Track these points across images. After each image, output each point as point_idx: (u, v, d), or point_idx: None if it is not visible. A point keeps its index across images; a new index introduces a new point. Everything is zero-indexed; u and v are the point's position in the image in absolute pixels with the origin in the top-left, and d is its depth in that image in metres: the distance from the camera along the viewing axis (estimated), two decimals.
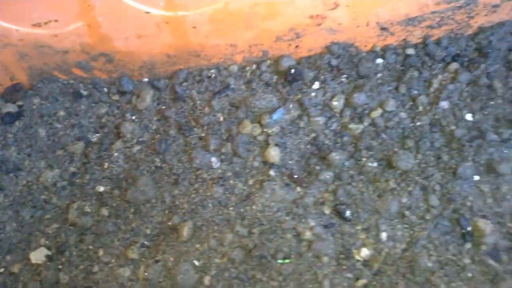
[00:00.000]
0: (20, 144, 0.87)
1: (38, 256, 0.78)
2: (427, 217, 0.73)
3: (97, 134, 0.89)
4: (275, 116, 0.83)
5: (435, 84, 0.85)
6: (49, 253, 0.78)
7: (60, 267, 0.77)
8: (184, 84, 0.90)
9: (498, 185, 0.74)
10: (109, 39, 0.84)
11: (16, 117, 0.90)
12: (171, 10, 0.78)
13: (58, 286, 0.76)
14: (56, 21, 0.79)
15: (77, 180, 0.84)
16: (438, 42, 0.89)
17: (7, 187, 0.83)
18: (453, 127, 0.79)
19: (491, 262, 0.70)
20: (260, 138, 0.83)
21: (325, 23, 0.83)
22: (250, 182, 0.80)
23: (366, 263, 0.72)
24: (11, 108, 0.91)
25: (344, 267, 0.72)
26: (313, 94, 0.86)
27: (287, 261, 0.71)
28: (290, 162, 0.81)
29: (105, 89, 0.93)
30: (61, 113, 0.90)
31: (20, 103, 0.92)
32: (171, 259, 0.74)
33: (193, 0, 0.76)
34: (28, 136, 0.88)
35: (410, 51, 0.88)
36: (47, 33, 0.82)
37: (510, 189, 0.74)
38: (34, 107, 0.90)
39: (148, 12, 0.78)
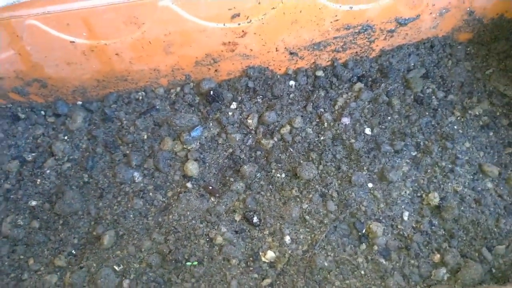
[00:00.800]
0: None
1: None
2: (326, 221, 0.81)
3: (33, 154, 0.94)
4: (194, 133, 0.90)
5: (340, 102, 0.94)
6: None
7: None
8: (113, 106, 0.97)
9: (389, 191, 0.82)
10: (40, 66, 0.91)
11: None
12: (94, 39, 0.86)
13: None
14: None
15: (12, 196, 0.89)
16: (345, 64, 0.98)
17: None
18: (352, 141, 0.88)
19: (382, 260, 0.77)
20: (181, 154, 0.90)
21: (238, 49, 0.92)
22: (169, 194, 0.86)
23: (271, 264, 0.79)
24: None
25: (251, 268, 0.78)
26: (230, 113, 0.94)
27: (195, 263, 0.77)
28: (208, 175, 0.89)
29: (42, 112, 0.99)
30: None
31: None
32: (94, 265, 0.79)
33: (113, 30, 0.84)
34: None
35: (320, 73, 0.98)
36: None
37: (399, 194, 0.82)
38: None
39: (73, 42, 0.86)
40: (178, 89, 0.98)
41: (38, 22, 0.82)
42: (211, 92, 0.94)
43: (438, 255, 0.76)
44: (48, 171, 0.91)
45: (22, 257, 0.84)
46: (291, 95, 0.96)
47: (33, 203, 0.88)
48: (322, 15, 0.87)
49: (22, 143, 0.96)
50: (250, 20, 0.86)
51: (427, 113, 0.90)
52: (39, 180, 0.90)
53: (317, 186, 0.84)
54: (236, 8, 0.83)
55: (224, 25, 0.86)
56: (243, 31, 0.88)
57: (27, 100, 0.99)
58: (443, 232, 0.78)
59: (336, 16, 0.88)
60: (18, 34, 0.84)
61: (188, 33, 0.87)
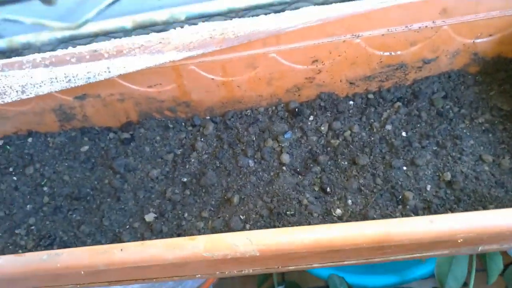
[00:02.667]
0: (135, 155, 1.46)
1: (149, 217, 1.34)
2: (375, 191, 1.24)
3: (180, 149, 1.47)
4: (286, 135, 1.38)
5: (385, 115, 1.38)
6: (156, 215, 1.34)
7: (162, 223, 1.32)
8: (231, 119, 1.48)
9: (417, 171, 1.24)
10: (189, 93, 1.44)
11: (130, 140, 1.50)
12: (225, 77, 1.38)
13: (162, 233, 1.30)
14: (160, 84, 1.41)
15: (170, 175, 1.41)
16: (388, 90, 1.43)
17: (129, 179, 1.42)
18: (393, 140, 1.32)
19: (412, 215, 1.19)
20: (277, 149, 1.38)
21: (315, 81, 1.40)
22: (272, 174, 1.34)
23: (339, 217, 1.23)
24: (126, 135, 1.52)
25: (326, 219, 1.23)
26: (309, 123, 1.41)
27: (289, 212, 1.24)
28: (295, 163, 1.35)
29: (183, 123, 1.53)
30: (158, 138, 1.50)
31: (131, 132, 1.53)
32: (227, 215, 1.28)
33: (238, 71, 1.36)
34: (139, 151, 1.47)
35: (370, 96, 1.43)
36: (155, 91, 1.43)
37: (424, 174, 1.23)
38: (141, 134, 1.51)
39: (213, 78, 1.38)
40: (274, 108, 1.48)
41: (195, 67, 1.35)
42: (296, 109, 1.43)
43: (450, 212, 1.17)
44: (192, 160, 1.42)
45: (180, 212, 1.34)
46: (350, 111, 1.42)
47: (185, 179, 1.39)
48: (371, 59, 1.33)
49: (173, 143, 1.48)
50: (324, 63, 1.34)
51: (445, 122, 1.32)
52: (187, 165, 1.42)
53: (369, 169, 1.28)
54: (315, 56, 1.32)
55: (307, 67, 1.35)
56: (319, 70, 1.36)
57: (174, 115, 1.52)
58: (453, 198, 1.19)
59: (381, 59, 1.34)
60: (181, 74, 1.37)
61: (284, 72, 1.36)
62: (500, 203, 1.15)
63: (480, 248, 1.27)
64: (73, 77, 1.30)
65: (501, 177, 1.20)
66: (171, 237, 1.29)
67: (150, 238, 1.30)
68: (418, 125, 1.34)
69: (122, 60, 1.30)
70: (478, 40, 1.30)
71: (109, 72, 1.32)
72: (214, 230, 1.27)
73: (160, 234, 1.31)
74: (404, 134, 1.33)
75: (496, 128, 1.29)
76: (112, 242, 1.32)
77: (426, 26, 1.26)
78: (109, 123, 1.54)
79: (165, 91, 1.42)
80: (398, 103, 1.39)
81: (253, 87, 1.40)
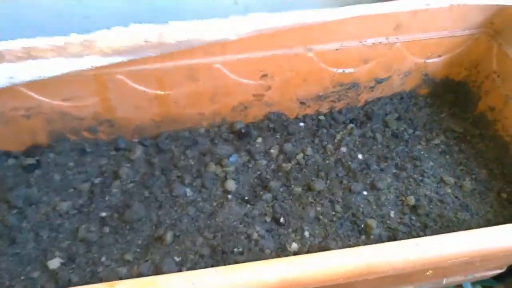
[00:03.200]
0: (40, 185, 1.15)
1: (54, 263, 1.03)
2: (334, 219, 1.08)
3: (99, 178, 1.19)
4: (232, 159, 1.19)
5: (338, 137, 1.26)
6: (63, 261, 1.04)
7: (71, 270, 1.02)
8: (166, 141, 1.26)
9: (378, 196, 1.11)
10: (115, 109, 1.20)
11: (35, 167, 1.20)
12: (161, 90, 1.17)
13: (70, 284, 1.00)
14: (79, 96, 1.15)
15: (85, 209, 1.13)
16: (340, 111, 1.33)
17: (30, 215, 1.10)
18: (349, 163, 1.19)
19: None
20: (221, 175, 1.18)
21: (263, 99, 1.25)
22: (214, 204, 1.12)
23: (295, 253, 1.03)
24: (30, 161, 1.22)
25: (281, 256, 1.03)
26: (257, 145, 1.24)
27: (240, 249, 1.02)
28: (242, 190, 1.16)
29: (104, 147, 1.27)
30: (71, 163, 1.21)
31: (37, 158, 1.23)
32: (158, 257, 1.02)
33: (176, 83, 1.16)
34: (46, 180, 1.17)
35: (322, 117, 1.31)
36: (71, 105, 1.17)
37: (386, 198, 1.11)
38: (49, 160, 1.21)
39: (144, 91, 1.17)
40: (216, 128, 1.29)
41: (124, 77, 1.12)
42: (242, 130, 1.25)
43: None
44: (114, 190, 1.16)
45: (96, 255, 1.05)
46: (301, 133, 1.27)
47: (103, 214, 1.11)
48: (323, 76, 1.22)
49: (90, 170, 1.21)
50: (274, 79, 1.20)
51: (401, 144, 1.23)
52: (107, 197, 1.15)
53: (326, 194, 1.12)
54: (265, 70, 1.17)
55: (255, 81, 1.20)
56: (268, 86, 1.21)
57: (94, 137, 1.26)
58: (419, 224, 1.07)
59: (333, 76, 1.23)
60: (106, 85, 1.14)
61: (230, 87, 1.19)
62: (468, 227, 1.05)
63: (444, 280, 1.15)
64: None
65: (465, 199, 1.11)
66: None
67: None
68: (374, 147, 1.23)
69: (30, 64, 1.04)
70: (429, 60, 1.27)
71: (12, 79, 1.04)
72: (140, 277, 1.00)
73: (68, 285, 1.00)
74: (360, 156, 1.21)
75: (452, 150, 1.22)
76: None
77: (380, 42, 1.19)
78: (8, 146, 1.23)
79: (84, 106, 1.17)
80: (351, 125, 1.29)
81: (193, 103, 1.21)
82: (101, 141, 1.26)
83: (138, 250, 1.06)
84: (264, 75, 1.18)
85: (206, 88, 1.18)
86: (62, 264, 1.04)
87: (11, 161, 1.22)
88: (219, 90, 1.20)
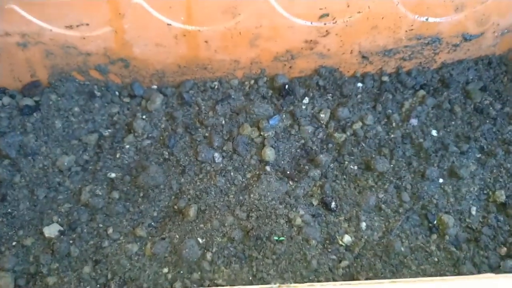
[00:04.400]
0: (38, 132, 0.94)
1: (51, 230, 0.83)
2: (400, 211, 0.86)
3: (109, 130, 0.98)
4: (272, 121, 0.95)
5: (406, 105, 1.01)
6: (62, 228, 0.84)
7: (71, 241, 0.83)
8: (190, 92, 1.02)
9: (458, 187, 0.88)
10: (130, 45, 0.95)
11: (34, 110, 0.98)
12: (190, 24, 0.91)
13: (69, 258, 0.81)
14: (87, 24, 0.91)
15: (90, 167, 0.92)
16: (408, 73, 1.06)
17: (24, 168, 0.90)
18: (421, 140, 0.94)
19: (454, 249, 0.82)
20: (257, 140, 0.95)
21: (317, 48, 0.98)
22: (248, 175, 0.90)
23: (348, 247, 0.82)
24: (28, 102, 1.00)
25: (329, 250, 0.82)
26: (303, 107, 0.99)
27: (282, 238, 0.81)
28: (282, 162, 0.93)
29: (117, 92, 1.03)
30: (76, 109, 0.99)
31: (36, 98, 1.01)
32: (177, 236, 0.82)
33: (209, 17, 0.90)
34: (45, 126, 0.95)
35: (385, 78, 1.05)
36: (76, 35, 0.92)
37: (468, 190, 0.88)
38: (51, 102, 0.99)
39: (169, 24, 0.91)
40: (252, 82, 1.04)
41: (144, 2, 0.87)
42: (286, 86, 1.00)
43: (505, 249, 0.82)
44: (127, 146, 0.94)
45: (101, 225, 0.85)
46: (359, 96, 1.02)
47: (112, 175, 0.91)
48: (400, 23, 0.95)
49: (98, 119, 0.99)
50: (336, 21, 0.93)
51: (487, 121, 0.97)
52: (118, 154, 0.93)
53: (391, 178, 0.89)
54: (326, 8, 0.91)
55: (311, 23, 0.93)
56: (326, 30, 0.95)
57: (105, 79, 1.02)
58: (509, 227, 0.84)
59: (412, 25, 0.96)
60: (121, 12, 0.89)
61: (277, 28, 0.93)
62: None
63: None
64: None
65: None
66: (82, 265, 0.80)
67: (48, 266, 0.81)
68: (453, 122, 0.98)
69: None
70: None
71: None
72: (154, 259, 0.80)
73: (66, 259, 0.81)
74: (434, 133, 0.96)
75: None
76: None
77: None
78: (4, 81, 1.00)
79: (93, 37, 0.93)
80: (422, 92, 1.03)
81: (228, 46, 0.96)
82: (114, 84, 1.03)
83: (153, 223, 0.86)
84: (324, 15, 0.91)
85: (247, 27, 0.92)
86: (61, 232, 0.85)
87: (6, 100, 0.99)
88: (263, 32, 0.94)
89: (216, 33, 0.93)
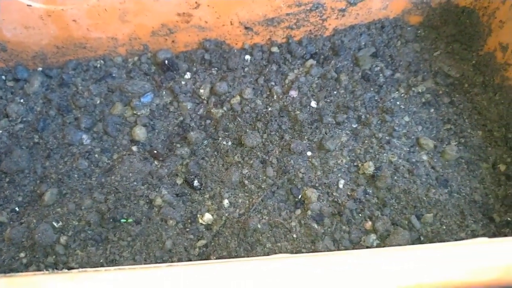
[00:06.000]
0: None
1: None
2: (263, 186, 0.82)
3: None
4: (144, 99, 0.92)
5: (290, 76, 0.96)
6: None
7: None
8: (72, 72, 0.99)
9: (326, 159, 0.84)
10: (0, 29, 0.93)
11: None
12: (50, 4, 0.88)
13: None
14: None
15: None
16: (299, 42, 1.01)
17: None
18: (298, 112, 0.90)
19: (314, 225, 0.79)
20: (130, 119, 0.92)
21: (193, 20, 0.94)
22: (115, 156, 0.88)
23: (208, 226, 0.80)
24: None
25: (188, 229, 0.80)
26: (183, 83, 0.96)
27: (130, 220, 0.79)
28: (156, 140, 0.90)
29: (3, 77, 1.02)
30: None
31: None
32: (34, 221, 0.81)
33: None
34: None
35: (275, 49, 1.00)
36: None
37: (336, 163, 0.84)
38: None
39: (29, 5, 0.88)
40: (136, 58, 1.01)
41: None
42: (166, 61, 0.97)
43: (370, 222, 0.78)
44: (0, 131, 0.93)
45: None
46: (246, 69, 0.98)
47: None
48: None
49: None
50: None
51: (372, 89, 0.92)
52: None
53: (258, 153, 0.86)
54: None
55: None
56: (196, 2, 0.91)
57: None
58: (376, 200, 0.80)
59: None
60: None
61: (143, 2, 0.89)
62: (441, 211, 0.78)
63: None
64: None
65: (445, 171, 0.82)
66: None
67: None
68: (335, 92, 0.93)
69: None
70: None
71: None
72: (11, 244, 0.80)
73: None
74: (313, 104, 0.92)
75: (440, 101, 0.91)
76: None
77: None
78: None
79: None
80: (311, 61, 0.98)
81: (99, 23, 0.93)
82: None
83: (16, 209, 0.85)
84: None
85: (111, 3, 0.89)
86: None
87: None
88: (129, 7, 0.90)
89: (81, 11, 0.90)
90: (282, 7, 0.94)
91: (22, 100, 0.97)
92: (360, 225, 0.79)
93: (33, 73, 1.01)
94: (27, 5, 0.88)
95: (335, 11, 0.96)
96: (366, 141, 0.85)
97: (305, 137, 0.86)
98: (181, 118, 0.93)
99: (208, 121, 0.92)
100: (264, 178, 0.83)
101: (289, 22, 0.97)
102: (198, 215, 0.81)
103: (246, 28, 0.97)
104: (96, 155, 0.88)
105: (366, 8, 0.96)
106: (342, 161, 0.84)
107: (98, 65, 1.00)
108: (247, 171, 0.84)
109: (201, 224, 0.81)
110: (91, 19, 0.92)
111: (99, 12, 0.90)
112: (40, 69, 1.02)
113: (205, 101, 0.95)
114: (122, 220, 0.79)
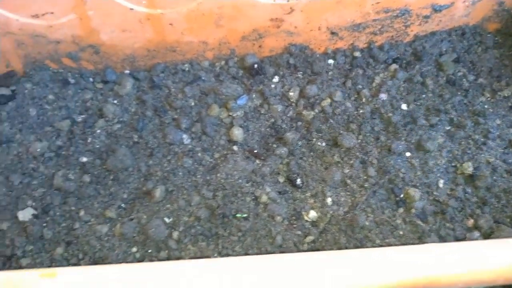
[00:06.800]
0: (13, 120, 0.96)
1: (25, 215, 0.86)
2: (366, 186, 0.86)
3: (82, 115, 0.99)
4: (240, 101, 0.95)
5: (377, 80, 1.00)
6: (35, 212, 0.87)
7: (44, 224, 0.85)
8: (161, 75, 1.02)
9: (425, 160, 0.87)
10: (97, 32, 0.96)
11: (9, 99, 1.00)
12: (152, 8, 0.92)
13: (42, 240, 0.84)
14: (52, 13, 0.91)
15: (63, 152, 0.94)
16: (381, 47, 1.05)
17: None
18: (390, 114, 0.93)
19: (419, 222, 0.82)
20: (226, 120, 0.95)
21: (283, 26, 0.98)
22: (216, 155, 0.91)
23: (313, 223, 0.83)
24: (4, 91, 1.02)
25: (295, 226, 0.82)
26: (273, 86, 0.99)
27: (244, 215, 0.82)
28: (251, 141, 0.93)
29: (91, 79, 1.04)
30: (50, 96, 1.01)
31: (13, 87, 1.03)
32: (144, 217, 0.83)
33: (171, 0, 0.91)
34: (20, 115, 0.97)
35: (357, 54, 1.04)
36: (43, 24, 0.93)
37: (435, 163, 0.87)
38: (26, 91, 1.01)
39: (132, 9, 0.91)
40: (223, 62, 1.04)
41: None
42: (255, 65, 1.00)
43: (472, 220, 0.81)
44: (98, 131, 0.95)
45: (73, 208, 0.87)
46: (330, 73, 1.01)
47: (84, 159, 0.92)
48: None
49: (72, 105, 1.00)
50: None
51: (459, 93, 0.96)
52: (89, 139, 0.95)
53: (357, 153, 0.89)
54: None
55: (274, 1, 0.92)
56: (291, 8, 0.94)
57: (78, 66, 1.03)
58: (476, 199, 0.83)
59: None
60: None
61: (240, 7, 0.93)
62: None
63: None
64: None
65: None
66: (55, 246, 0.83)
67: (23, 248, 0.83)
68: (423, 95, 0.97)
69: None
70: None
71: None
72: (123, 239, 0.82)
73: (39, 241, 0.84)
74: (404, 106, 0.95)
75: None
76: None
77: None
78: None
79: (59, 25, 0.94)
80: (395, 66, 1.01)
81: (194, 27, 0.96)
82: (87, 71, 1.04)
83: (122, 205, 0.87)
84: None
85: (209, 7, 0.92)
86: (34, 216, 0.87)
87: None
88: (226, 12, 0.93)
89: (179, 15, 0.93)
90: (371, 13, 0.97)
91: (115, 101, 1.00)
92: (462, 223, 0.82)
93: (121, 75, 1.04)
94: (130, 9, 0.91)
95: (420, 18, 1.00)
96: (462, 143, 0.88)
97: (402, 138, 0.90)
98: (273, 120, 0.96)
99: (299, 123, 0.95)
100: (365, 178, 0.86)
101: (374, 27, 1.01)
102: (303, 212, 0.84)
103: (332, 33, 1.01)
104: (199, 154, 0.90)
105: (449, 15, 1.00)
106: (441, 161, 0.87)
107: (186, 69, 1.03)
108: (348, 170, 0.87)
109: (306, 221, 0.83)
110: (187, 23, 0.95)
111: (196, 16, 0.94)
112: (127, 71, 1.05)
113: (294, 104, 0.98)
114: (237, 215, 0.81)
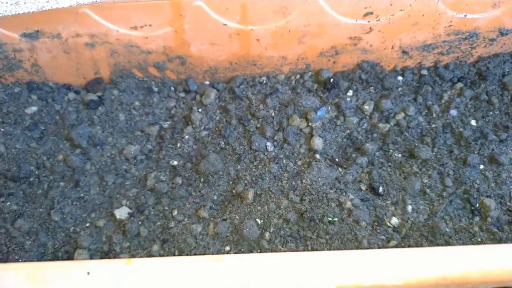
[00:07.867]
0: (104, 124, 1.03)
1: (121, 213, 0.92)
2: (444, 195, 0.91)
3: (168, 122, 1.06)
4: (320, 113, 1.02)
5: (445, 97, 1.06)
6: (131, 211, 0.93)
7: (140, 222, 0.91)
8: (240, 87, 1.09)
9: (499, 172, 0.93)
10: (188, 44, 1.03)
11: (98, 104, 1.07)
12: (244, 24, 0.99)
13: (138, 238, 0.89)
14: (150, 25, 0.99)
15: (153, 156, 1.00)
16: (446, 66, 1.12)
17: (94, 157, 0.99)
18: (461, 129, 1.00)
19: (496, 230, 0.87)
20: (306, 130, 1.02)
21: (360, 44, 1.05)
22: (299, 163, 0.97)
23: (395, 229, 0.89)
24: (93, 97, 1.09)
25: (378, 231, 0.88)
26: (348, 99, 1.06)
27: (334, 219, 0.87)
28: (330, 150, 1.00)
29: (172, 88, 1.12)
30: (137, 103, 1.08)
31: (99, 94, 1.10)
32: (237, 217, 0.89)
33: (262, 17, 0.97)
34: (110, 119, 1.04)
35: (424, 72, 1.11)
36: (139, 35, 1.01)
37: (508, 176, 0.93)
38: (113, 97, 1.08)
39: (225, 24, 0.99)
40: (298, 76, 1.11)
41: (204, 4, 0.95)
42: (331, 80, 1.07)
43: None
44: (187, 137, 1.02)
45: (166, 208, 0.93)
46: (400, 89, 1.08)
47: (174, 162, 0.99)
48: (439, 20, 1.01)
49: (157, 112, 1.07)
50: (379, 19, 1.00)
51: None
52: (179, 144, 1.01)
53: (434, 165, 0.95)
54: (371, 7, 0.97)
55: (356, 21, 1.00)
56: (370, 28, 1.01)
57: (162, 75, 1.11)
58: None
59: (450, 22, 1.02)
60: (182, 13, 0.97)
61: (324, 26, 1.00)
62: None
63: None
64: None
65: None
66: (151, 244, 0.88)
67: (120, 244, 0.89)
68: (491, 112, 1.03)
69: None
70: None
71: None
72: (217, 238, 0.88)
73: (135, 239, 0.89)
74: (473, 122, 1.01)
75: None
76: (63, 246, 0.89)
77: None
78: (69, 79, 1.10)
79: (154, 36, 1.01)
80: (460, 84, 1.08)
81: (278, 43, 1.03)
82: (170, 80, 1.11)
83: (213, 206, 0.93)
84: (369, 13, 0.98)
85: (296, 25, 0.99)
86: (130, 214, 0.93)
87: (71, 95, 1.09)
88: (310, 30, 1.00)
89: (267, 31, 1.01)
90: (442, 35, 1.04)
91: (200, 110, 1.06)
92: None
93: (202, 86, 1.12)
94: (223, 24, 0.99)
95: (486, 40, 1.07)
96: None
97: (475, 152, 0.96)
98: (348, 131, 1.02)
99: (374, 135, 1.01)
100: (443, 188, 0.92)
101: (442, 48, 1.08)
102: (385, 219, 0.90)
103: (403, 52, 1.08)
104: (284, 161, 0.97)
105: None
106: None
107: (264, 81, 1.10)
108: (426, 180, 0.93)
109: (389, 226, 0.89)
110: (272, 39, 1.02)
111: (282, 33, 1.01)
112: (207, 82, 1.12)
113: (368, 116, 1.04)
114: (329, 219, 0.87)
